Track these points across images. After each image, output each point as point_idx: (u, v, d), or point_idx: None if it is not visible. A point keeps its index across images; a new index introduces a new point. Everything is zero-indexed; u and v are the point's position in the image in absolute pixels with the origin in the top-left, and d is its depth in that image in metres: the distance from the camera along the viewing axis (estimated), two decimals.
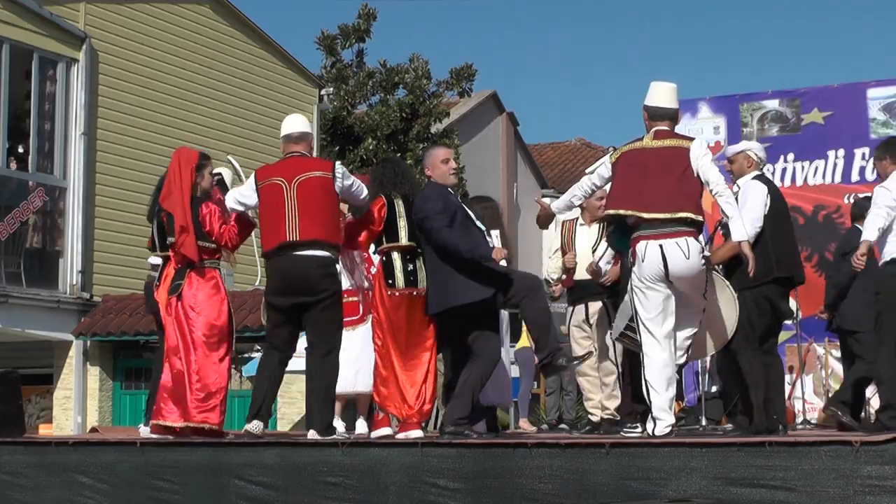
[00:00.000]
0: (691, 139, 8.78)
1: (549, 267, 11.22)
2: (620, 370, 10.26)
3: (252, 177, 9.43)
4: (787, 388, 14.21)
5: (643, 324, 8.48)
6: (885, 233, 8.90)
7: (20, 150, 19.69)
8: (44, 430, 19.39)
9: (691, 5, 65.87)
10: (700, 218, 8.44)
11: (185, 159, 9.57)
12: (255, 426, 9.06)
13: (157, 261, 10.18)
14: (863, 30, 65.77)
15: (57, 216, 19.95)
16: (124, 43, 21.09)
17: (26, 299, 19.12)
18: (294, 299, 9.12)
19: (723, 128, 14.59)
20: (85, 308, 20.10)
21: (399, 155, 23.09)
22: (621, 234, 8.72)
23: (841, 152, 14.14)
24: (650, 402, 8.42)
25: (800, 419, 13.20)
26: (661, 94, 8.80)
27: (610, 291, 10.18)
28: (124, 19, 21.14)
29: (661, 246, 8.33)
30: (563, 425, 12.16)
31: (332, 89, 24.75)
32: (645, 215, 8.38)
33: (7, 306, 18.75)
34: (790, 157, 14.24)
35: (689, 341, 8.74)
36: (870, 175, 13.98)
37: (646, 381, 8.46)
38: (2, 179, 19.13)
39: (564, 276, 10.81)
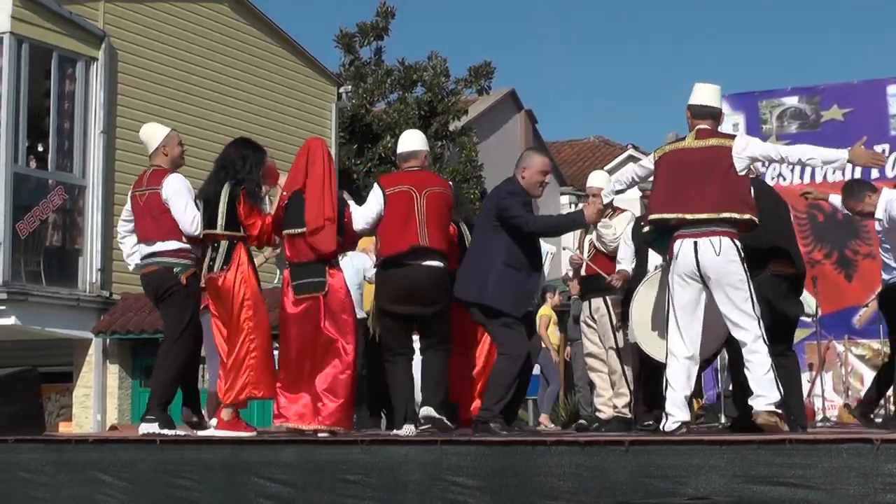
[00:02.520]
0: (733, 137, 8.81)
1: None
2: (633, 373, 10.29)
3: (376, 185, 9.62)
4: (807, 385, 14.22)
5: (674, 320, 8.53)
6: None
7: (40, 148, 19.75)
8: (64, 428, 19.41)
9: (710, 2, 65.80)
10: (747, 216, 8.43)
11: (326, 151, 9.66)
12: (409, 430, 9.33)
13: (171, 245, 9.67)
14: (882, 28, 65.59)
15: (76, 215, 20.01)
16: (143, 41, 21.15)
17: (46, 297, 19.18)
18: (410, 308, 9.39)
19: (742, 125, 14.59)
20: (104, 306, 20.16)
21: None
22: (658, 235, 8.74)
23: None
24: (666, 397, 8.45)
25: (819, 417, 13.18)
26: (705, 94, 8.84)
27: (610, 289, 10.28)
28: (143, 17, 21.20)
29: (695, 243, 8.38)
30: (581, 421, 12.15)
31: (350, 87, 24.75)
32: (688, 216, 8.43)
33: (27, 304, 18.81)
34: None
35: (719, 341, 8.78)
36: (890, 172, 13.95)
37: (665, 377, 8.50)
38: (21, 178, 19.18)
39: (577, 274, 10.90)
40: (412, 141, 9.82)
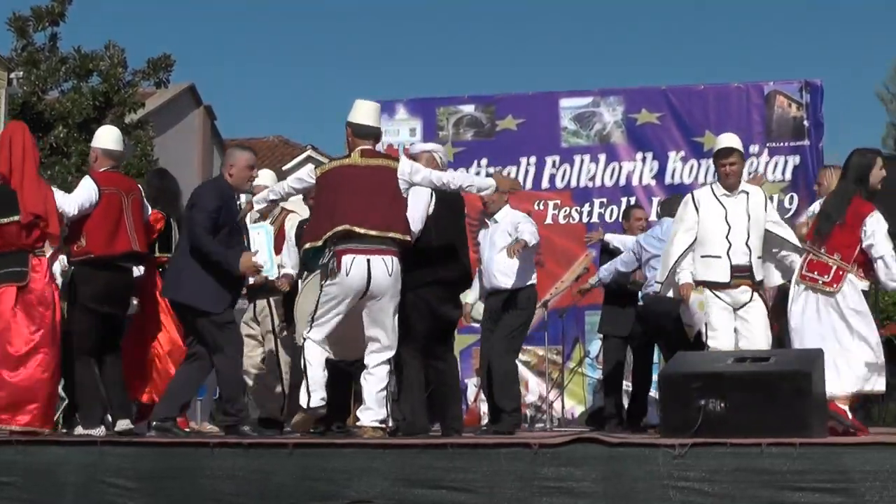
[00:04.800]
0: (398, 159, 8.97)
1: None
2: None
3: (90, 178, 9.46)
4: (474, 390, 14.46)
5: (326, 318, 8.60)
6: None
7: None
8: None
9: (390, 9, 66.53)
10: (407, 237, 8.63)
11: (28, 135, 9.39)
12: (100, 431, 9.08)
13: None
14: (557, 41, 67.70)
15: None
16: None
17: None
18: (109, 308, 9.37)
19: (419, 130, 14.68)
20: None
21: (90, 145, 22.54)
22: (316, 249, 8.70)
23: (533, 159, 14.42)
24: (306, 376, 8.61)
25: (485, 421, 13.41)
26: (366, 113, 8.96)
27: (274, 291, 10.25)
28: None
29: (368, 261, 8.45)
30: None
31: (22, 73, 23.92)
32: (359, 230, 8.45)
33: None
34: (483, 162, 14.44)
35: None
36: (559, 183, 14.32)
37: (304, 359, 8.66)
38: None
39: None
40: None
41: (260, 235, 9.95)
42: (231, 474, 7.62)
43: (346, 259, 8.47)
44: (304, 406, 8.54)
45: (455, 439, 7.91)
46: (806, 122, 13.83)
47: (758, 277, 9.27)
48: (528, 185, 14.37)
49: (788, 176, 13.78)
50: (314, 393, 8.53)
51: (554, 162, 14.41)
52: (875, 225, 8.65)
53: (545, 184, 14.30)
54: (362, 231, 8.45)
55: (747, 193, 9.34)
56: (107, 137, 9.71)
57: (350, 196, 8.54)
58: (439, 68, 67.26)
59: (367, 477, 7.37)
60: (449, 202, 9.24)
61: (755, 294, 9.24)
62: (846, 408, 8.42)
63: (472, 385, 14.49)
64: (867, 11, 62.23)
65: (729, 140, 9.56)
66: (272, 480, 7.55)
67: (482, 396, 13.31)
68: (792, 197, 13.65)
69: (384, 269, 8.47)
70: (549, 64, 64.91)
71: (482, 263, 10.48)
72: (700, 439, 7.09)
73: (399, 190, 8.65)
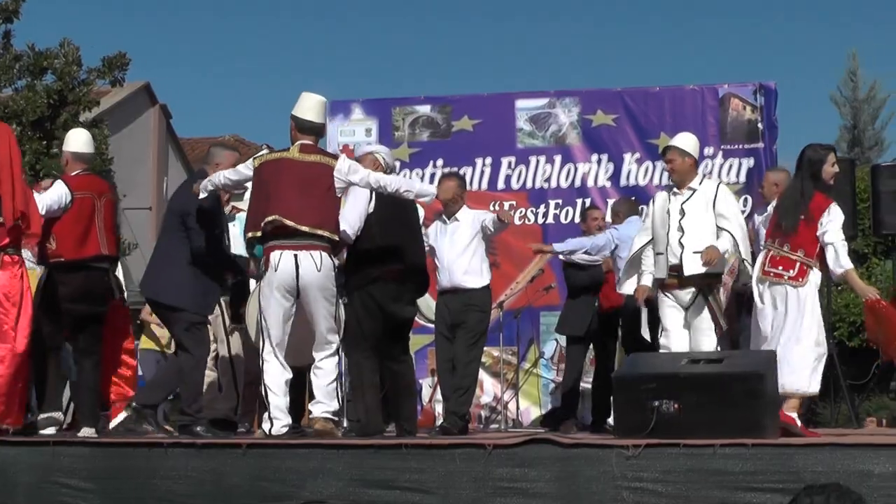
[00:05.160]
0: (336, 157, 8.95)
1: None
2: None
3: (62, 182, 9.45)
4: (429, 391, 14.48)
5: (267, 329, 8.60)
6: None
7: None
8: None
9: (353, 7, 66.43)
10: (336, 237, 8.64)
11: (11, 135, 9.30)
12: (89, 432, 9.07)
13: None
14: (514, 42, 67.79)
15: None
16: None
17: None
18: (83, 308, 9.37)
19: (374, 130, 14.67)
20: None
21: (45, 143, 22.38)
22: (257, 241, 8.71)
23: (489, 160, 14.43)
24: (267, 403, 8.54)
25: (440, 422, 13.43)
26: (311, 108, 8.92)
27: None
28: None
29: (296, 256, 8.47)
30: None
31: None
32: (289, 223, 8.44)
33: None
34: (439, 162, 14.43)
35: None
36: (515, 184, 14.34)
37: (265, 385, 8.59)
38: None
39: None
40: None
41: (236, 228, 9.96)
42: (184, 475, 7.61)
43: (275, 255, 8.51)
44: (266, 433, 8.50)
45: (410, 440, 7.91)
46: (760, 125, 13.88)
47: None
48: (484, 186, 14.38)
49: (743, 178, 13.84)
50: (276, 420, 8.49)
51: (510, 163, 14.42)
52: (832, 215, 8.63)
53: (501, 185, 14.31)
54: (292, 225, 8.46)
55: (694, 191, 9.37)
56: (77, 141, 9.71)
57: (284, 189, 8.55)
58: (396, 69, 67.27)
59: (321, 477, 7.37)
60: (395, 201, 9.19)
61: (699, 296, 9.26)
62: (795, 415, 8.45)
63: (426, 385, 14.51)
64: (821, 15, 62.72)
65: (674, 139, 9.66)
66: (225, 481, 7.54)
67: (437, 397, 13.34)
68: (746, 199, 13.69)
69: (312, 264, 8.47)
70: (505, 65, 65.05)
71: (438, 262, 10.45)
72: (653, 440, 7.14)
73: (333, 188, 8.64)
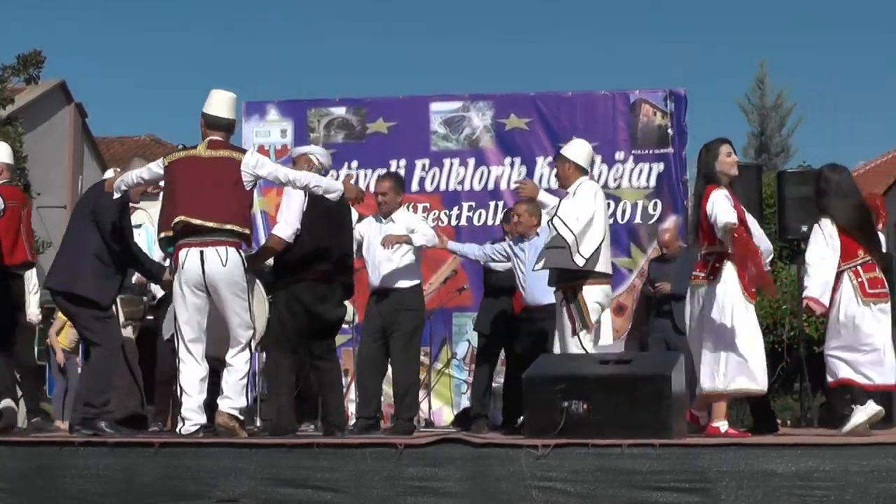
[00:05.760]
0: (244, 151, 8.98)
1: None
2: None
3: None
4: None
5: (181, 329, 8.65)
6: None
7: None
8: None
9: (269, 8, 66.20)
10: (247, 231, 8.68)
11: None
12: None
13: None
14: (429, 45, 67.91)
15: None
16: None
17: None
18: None
19: (290, 132, 14.67)
20: None
21: None
22: (170, 241, 8.72)
23: (403, 162, 14.45)
24: (181, 403, 8.60)
25: (352, 422, 13.46)
26: (220, 104, 8.94)
27: None
28: None
29: (202, 252, 8.50)
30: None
31: None
32: (195, 221, 8.47)
33: None
34: (354, 164, 14.45)
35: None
36: (429, 186, 14.41)
37: (179, 385, 8.63)
38: None
39: None
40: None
41: (141, 237, 10.00)
42: (96, 473, 7.59)
43: (182, 253, 8.55)
44: (178, 432, 8.53)
45: (321, 439, 7.95)
46: (670, 131, 14.03)
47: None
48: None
49: (653, 183, 13.97)
50: (187, 421, 8.53)
51: (424, 165, 14.45)
52: (712, 198, 8.57)
53: (415, 187, 14.34)
54: (198, 222, 8.48)
55: (570, 193, 9.59)
56: (5, 151, 9.87)
57: (190, 187, 8.58)
58: (311, 70, 67.11)
59: (233, 476, 7.40)
60: (327, 202, 9.23)
61: (563, 299, 9.40)
62: (721, 424, 8.52)
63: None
64: (731, 24, 63.41)
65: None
66: (137, 480, 7.54)
67: (351, 397, 13.38)
68: (656, 203, 13.85)
69: (218, 259, 8.49)
70: (419, 68, 65.13)
71: (369, 261, 10.51)
72: (562, 440, 7.23)
73: (241, 182, 8.65)
